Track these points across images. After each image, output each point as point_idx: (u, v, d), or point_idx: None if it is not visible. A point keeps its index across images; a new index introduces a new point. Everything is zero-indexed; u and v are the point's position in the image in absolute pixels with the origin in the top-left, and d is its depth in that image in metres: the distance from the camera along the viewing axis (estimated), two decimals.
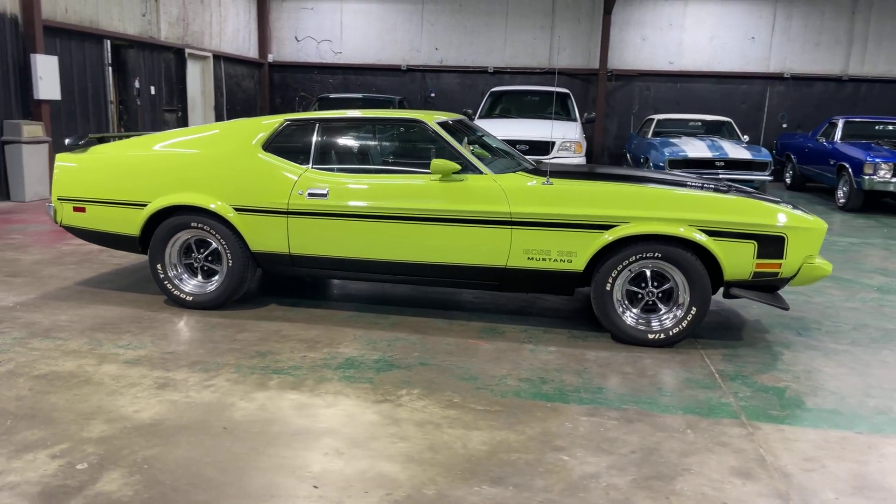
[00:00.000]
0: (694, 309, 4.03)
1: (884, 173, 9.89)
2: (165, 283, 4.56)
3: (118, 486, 2.50)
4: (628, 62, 15.08)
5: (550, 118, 11.61)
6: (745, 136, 11.86)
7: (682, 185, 4.36)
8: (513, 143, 10.50)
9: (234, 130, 4.58)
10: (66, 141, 4.83)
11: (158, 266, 4.55)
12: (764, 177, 10.45)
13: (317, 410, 3.16)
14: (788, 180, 13.30)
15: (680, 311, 4.08)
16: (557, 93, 12.33)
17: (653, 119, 12.54)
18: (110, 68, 11.86)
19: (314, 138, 4.50)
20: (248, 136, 4.51)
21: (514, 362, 3.84)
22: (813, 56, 14.44)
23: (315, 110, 12.35)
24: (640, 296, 4.15)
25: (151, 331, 4.16)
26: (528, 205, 4.10)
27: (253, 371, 3.59)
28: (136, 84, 11.69)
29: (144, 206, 4.51)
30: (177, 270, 4.59)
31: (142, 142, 4.70)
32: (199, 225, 4.45)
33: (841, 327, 4.66)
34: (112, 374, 3.50)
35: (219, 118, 13.98)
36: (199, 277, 4.62)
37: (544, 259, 4.15)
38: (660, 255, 4.01)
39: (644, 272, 4.12)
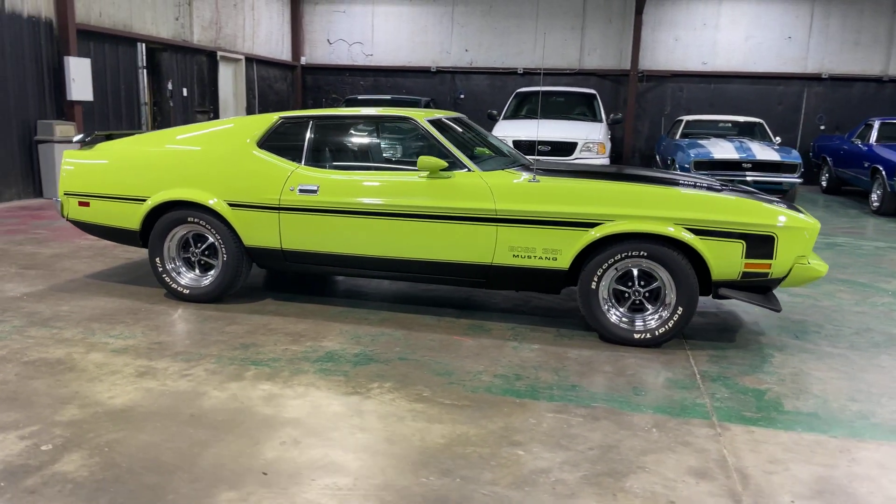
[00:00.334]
0: (680, 309, 3.97)
1: None
2: (164, 276, 4.68)
3: (76, 467, 2.58)
4: (660, 63, 14.87)
5: (575, 119, 11.54)
6: (777, 138, 11.60)
7: (675, 183, 4.30)
8: (535, 143, 10.47)
9: (230, 128, 4.68)
10: (74, 139, 4.99)
11: (157, 260, 4.68)
12: (793, 179, 10.20)
13: (285, 401, 3.21)
14: (824, 183, 12.95)
15: (666, 311, 4.02)
16: (583, 93, 12.25)
17: (681, 120, 12.34)
18: (145, 71, 12.21)
19: (307, 136, 4.57)
20: (244, 134, 4.61)
21: (493, 359, 3.84)
22: (852, 56, 14.03)
23: None
24: (626, 295, 4.11)
25: (145, 322, 4.27)
26: (513, 202, 4.10)
27: (233, 362, 3.66)
28: (169, 86, 12.01)
29: (144, 201, 4.64)
30: (175, 264, 4.71)
31: (144, 139, 4.83)
32: (196, 220, 4.56)
33: (842, 331, 4.53)
34: (97, 361, 3.61)
35: None
36: (197, 271, 4.73)
37: (529, 257, 4.14)
38: (645, 254, 3.96)
39: (631, 271, 4.07)
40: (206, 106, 12.96)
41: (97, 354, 3.71)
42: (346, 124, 4.81)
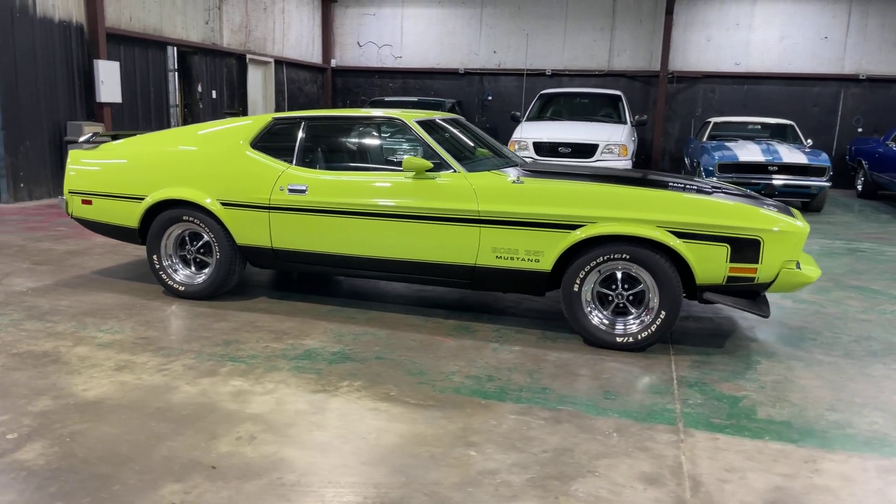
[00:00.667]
0: (663, 313, 3.91)
1: None
2: (160, 273, 4.80)
3: (34, 456, 2.67)
4: (692, 63, 14.63)
5: (598, 121, 11.43)
6: (809, 141, 11.30)
7: (663, 186, 4.23)
8: (555, 145, 10.41)
9: (226, 129, 4.76)
10: (80, 139, 5.15)
11: (154, 257, 4.79)
12: (821, 183, 9.94)
13: (252, 397, 3.26)
14: (860, 187, 12.57)
15: (649, 315, 3.96)
16: (608, 95, 12.13)
17: (709, 122, 12.12)
18: (176, 73, 12.52)
19: (298, 137, 4.63)
20: (238, 135, 4.69)
21: (470, 360, 3.83)
22: (891, 56, 13.58)
23: None
24: (610, 298, 4.06)
25: (137, 317, 4.38)
26: (495, 203, 4.09)
27: (211, 358, 3.73)
28: (199, 88, 12.27)
29: (142, 199, 4.76)
30: (171, 261, 4.81)
31: (145, 139, 4.96)
32: (191, 219, 4.66)
33: (840, 338, 4.40)
34: (81, 355, 3.72)
35: None
36: (192, 269, 4.83)
37: (512, 258, 4.12)
38: (627, 257, 3.91)
39: (615, 274, 4.03)
40: (235, 108, 13.21)
41: (83, 348, 3.82)
42: (336, 125, 4.86)
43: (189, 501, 2.40)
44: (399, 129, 4.59)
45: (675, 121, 14.95)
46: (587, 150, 10.33)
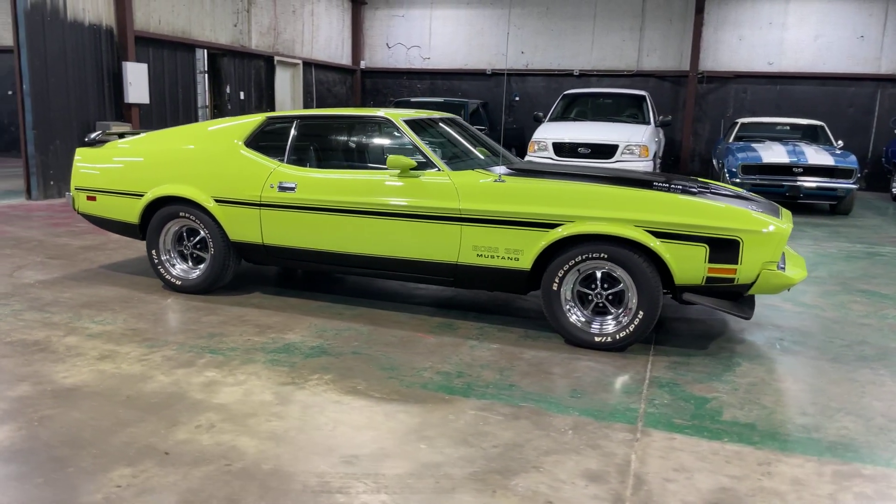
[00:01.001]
0: (641, 313, 3.88)
1: None
2: (158, 267, 4.94)
3: (1, 438, 2.79)
4: (724, 63, 14.38)
5: (621, 121, 11.32)
6: (839, 142, 11.02)
7: (647, 185, 4.20)
8: (575, 146, 10.35)
9: (221, 127, 4.89)
10: (87, 138, 5.34)
11: (153, 252, 4.94)
12: (848, 185, 9.68)
13: (222, 388, 3.35)
14: (895, 190, 12.21)
15: (627, 315, 3.94)
16: (633, 95, 12.01)
17: (737, 123, 11.91)
18: (206, 75, 12.82)
19: (290, 135, 4.72)
20: (233, 133, 4.80)
21: (444, 356, 3.86)
22: None
23: None
24: (590, 297, 4.05)
25: (131, 310, 4.53)
26: (476, 201, 4.11)
27: (192, 349, 3.84)
28: (227, 89, 12.55)
29: (142, 196, 4.91)
30: (169, 256, 4.95)
31: (147, 138, 5.11)
32: (187, 215, 4.79)
33: (833, 342, 4.30)
34: (69, 344, 3.86)
35: None
36: (189, 264, 4.96)
37: (492, 256, 4.14)
38: (605, 256, 3.89)
39: (595, 273, 4.01)
40: (263, 109, 13.46)
41: (73, 338, 3.97)
42: (326, 124, 4.95)
43: (135, 484, 2.49)
44: (388, 127, 4.64)
45: (705, 122, 14.72)
46: (607, 150, 10.25)
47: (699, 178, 4.98)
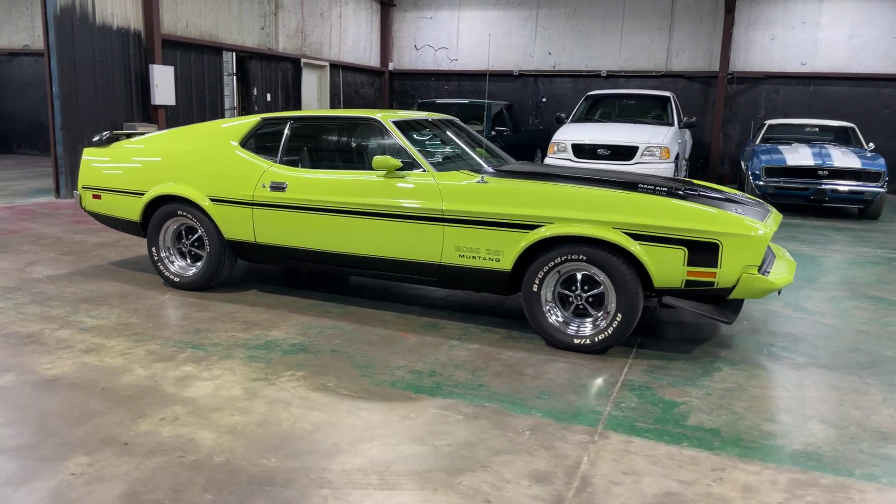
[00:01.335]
0: (620, 315, 3.85)
1: None
2: (158, 264, 5.07)
3: None
4: (755, 64, 14.10)
5: (643, 123, 11.19)
6: (870, 144, 10.71)
7: (632, 187, 4.16)
8: (594, 147, 10.27)
9: (218, 128, 5.00)
10: (94, 138, 5.50)
11: (153, 249, 5.07)
12: (875, 189, 9.41)
13: (195, 382, 3.43)
14: None
15: (606, 317, 3.92)
16: (657, 96, 11.86)
17: (765, 124, 11.67)
18: (235, 77, 13.07)
19: (283, 136, 4.80)
20: (229, 134, 4.91)
21: (422, 356, 3.89)
22: None
23: None
24: (570, 299, 4.03)
25: (128, 305, 4.66)
26: (458, 202, 4.13)
27: (176, 344, 3.94)
28: (254, 91, 12.77)
29: (143, 194, 5.05)
30: (168, 253, 5.08)
31: (151, 138, 5.25)
32: (184, 213, 4.92)
33: (825, 349, 4.21)
34: (61, 337, 4.00)
35: None
36: (186, 261, 5.08)
37: (474, 257, 4.15)
38: (584, 258, 3.88)
39: (575, 275, 4.00)
40: (289, 110, 13.67)
41: (66, 331, 4.11)
42: (319, 125, 5.02)
43: (88, 473, 2.58)
44: (377, 128, 4.69)
45: (735, 123, 14.45)
46: (626, 152, 10.14)
47: (694, 181, 4.92)
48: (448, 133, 5.10)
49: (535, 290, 4.03)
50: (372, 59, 16.22)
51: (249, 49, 12.31)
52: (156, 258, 5.07)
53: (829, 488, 2.63)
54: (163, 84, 10.40)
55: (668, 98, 11.73)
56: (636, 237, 3.78)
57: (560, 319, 4.03)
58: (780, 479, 2.69)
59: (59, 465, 2.63)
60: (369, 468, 2.67)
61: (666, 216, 3.74)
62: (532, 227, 3.97)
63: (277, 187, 4.61)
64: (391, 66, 16.65)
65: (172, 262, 5.08)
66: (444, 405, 3.25)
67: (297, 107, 13.77)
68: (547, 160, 10.65)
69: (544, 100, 15.59)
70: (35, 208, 8.47)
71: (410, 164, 4.38)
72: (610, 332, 3.88)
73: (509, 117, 13.41)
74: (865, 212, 9.87)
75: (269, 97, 13.06)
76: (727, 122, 14.47)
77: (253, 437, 2.89)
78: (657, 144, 10.09)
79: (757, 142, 11.40)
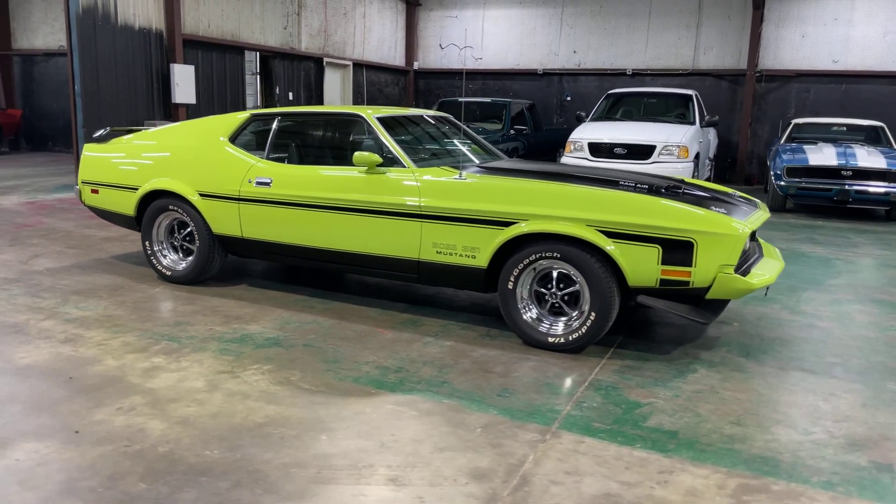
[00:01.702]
0: (594, 314, 3.78)
1: None
2: (151, 258, 5.16)
3: None
4: (785, 61, 13.76)
5: (663, 121, 11.01)
6: None
7: (613, 184, 4.09)
8: (611, 146, 10.14)
9: (209, 124, 5.06)
10: (94, 135, 5.62)
11: (147, 243, 5.16)
12: None
13: (160, 373, 3.48)
14: None
15: (580, 316, 3.85)
16: (679, 94, 11.67)
17: (791, 123, 11.38)
18: (258, 76, 13.24)
19: (271, 132, 4.84)
20: (219, 130, 4.97)
21: (393, 351, 3.88)
22: None
23: None
24: (546, 297, 3.98)
25: (117, 297, 4.75)
26: (435, 198, 4.11)
27: (153, 336, 4.00)
28: (277, 90, 12.92)
29: (137, 189, 5.14)
30: (161, 247, 5.16)
31: (146, 134, 5.35)
32: (175, 208, 4.99)
33: (812, 353, 4.07)
34: (44, 327, 4.09)
35: None
36: (178, 255, 5.16)
37: (450, 254, 4.12)
38: (558, 255, 3.82)
39: (552, 273, 3.94)
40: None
41: (50, 322, 4.20)
42: (305, 121, 5.04)
43: (33, 458, 2.63)
44: (362, 124, 4.69)
45: (764, 122, 14.12)
46: (643, 151, 9.99)
47: (686, 179, 4.81)
48: (441, 130, 5.08)
49: (510, 287, 3.98)
50: (396, 58, 16.27)
51: (272, 49, 12.46)
52: (149, 252, 5.16)
53: (779, 495, 2.55)
54: (183, 83, 10.59)
55: (690, 96, 11.53)
56: (611, 235, 3.71)
57: (534, 318, 3.98)
58: (728, 484, 2.61)
59: (6, 450, 2.68)
60: (309, 462, 2.67)
61: (639, 213, 3.66)
62: (507, 224, 3.92)
63: (263, 183, 4.65)
64: (416, 66, 16.68)
65: (165, 256, 5.16)
66: (402, 401, 3.24)
67: (320, 105, 13.89)
68: (563, 159, 10.55)
69: (569, 99, 15.45)
70: (55, 203, 8.69)
71: (392, 161, 4.37)
72: (584, 331, 3.82)
73: (530, 117, 13.32)
74: (893, 213, 9.56)
75: (291, 96, 13.19)
76: (756, 122, 14.15)
77: (202, 429, 2.91)
78: (675, 143, 9.92)
79: (782, 141, 11.12)
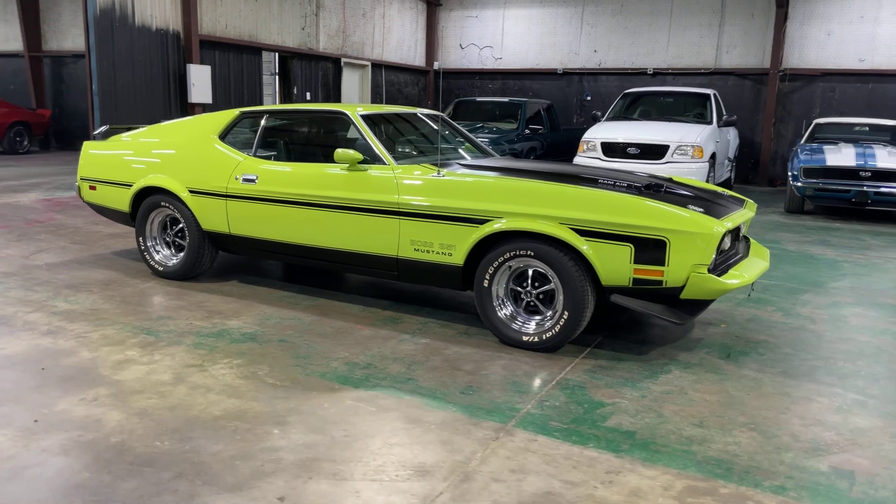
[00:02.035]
0: (567, 313, 3.74)
1: None
2: (144, 253, 5.24)
3: None
4: (810, 60, 13.47)
5: (679, 121, 10.85)
6: None
7: (593, 182, 4.04)
8: (624, 146, 10.02)
9: (201, 122, 5.13)
10: (94, 132, 5.73)
11: (140, 238, 5.24)
12: None
13: (131, 366, 3.53)
14: None
15: (553, 315, 3.82)
16: (697, 94, 11.49)
17: (812, 123, 11.14)
18: (277, 76, 13.37)
19: (259, 130, 4.89)
20: (210, 127, 5.03)
21: (365, 348, 3.88)
22: None
23: (450, 114, 12.79)
24: (521, 296, 3.95)
25: (107, 292, 4.83)
26: (412, 195, 4.11)
27: (132, 330, 4.06)
28: (295, 90, 13.04)
29: (131, 185, 5.23)
30: (154, 243, 5.24)
31: (143, 132, 5.44)
32: (167, 205, 5.06)
33: (796, 356, 3.98)
34: (30, 320, 4.18)
35: None
36: (171, 251, 5.23)
37: (428, 251, 4.12)
38: (532, 254, 3.79)
39: (527, 271, 3.91)
40: None
41: (37, 314, 4.29)
42: (291, 119, 5.07)
43: None
44: (346, 122, 4.71)
45: (788, 122, 13.84)
46: (657, 151, 9.86)
47: (674, 178, 4.73)
48: (433, 128, 5.08)
49: (485, 285, 3.96)
50: (416, 58, 16.31)
51: (289, 49, 12.57)
52: (142, 248, 5.24)
53: (725, 498, 2.49)
54: (199, 83, 10.75)
55: (708, 95, 11.34)
56: (583, 233, 3.67)
57: (508, 316, 3.95)
58: (675, 485, 2.56)
59: None
60: (256, 454, 2.68)
61: (611, 211, 3.62)
62: (482, 222, 3.90)
63: (248, 180, 4.69)
64: (436, 66, 16.70)
65: (158, 252, 5.24)
66: (362, 397, 3.24)
67: None
68: (576, 159, 10.46)
69: (589, 98, 15.32)
70: (70, 201, 8.88)
71: (374, 158, 4.38)
72: (557, 330, 3.78)
73: (547, 117, 13.23)
74: None
75: (308, 96, 13.30)
76: (780, 122, 13.88)
77: (158, 420, 2.94)
78: (690, 143, 9.77)
79: (803, 141, 10.89)
